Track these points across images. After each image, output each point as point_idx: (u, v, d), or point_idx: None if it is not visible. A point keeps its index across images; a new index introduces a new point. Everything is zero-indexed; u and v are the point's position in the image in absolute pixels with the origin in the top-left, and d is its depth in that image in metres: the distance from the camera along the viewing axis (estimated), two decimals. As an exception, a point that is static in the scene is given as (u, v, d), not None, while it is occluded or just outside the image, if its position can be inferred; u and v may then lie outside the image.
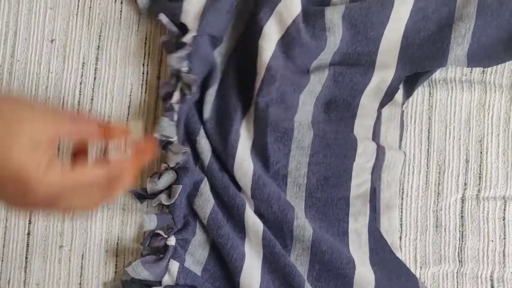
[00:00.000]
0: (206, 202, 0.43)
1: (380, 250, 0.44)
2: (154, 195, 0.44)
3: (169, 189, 0.44)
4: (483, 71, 0.46)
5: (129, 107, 0.46)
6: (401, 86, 0.45)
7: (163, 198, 0.43)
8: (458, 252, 0.46)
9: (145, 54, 0.46)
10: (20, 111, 0.30)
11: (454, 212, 0.46)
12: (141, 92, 0.46)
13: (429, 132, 0.46)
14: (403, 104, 0.46)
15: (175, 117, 0.43)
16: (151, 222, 0.42)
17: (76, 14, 0.46)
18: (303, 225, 0.43)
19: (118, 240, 0.45)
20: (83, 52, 0.46)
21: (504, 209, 0.46)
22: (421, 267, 0.46)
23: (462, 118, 0.46)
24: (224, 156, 0.44)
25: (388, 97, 0.45)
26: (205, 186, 0.44)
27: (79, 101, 0.46)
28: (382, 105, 0.45)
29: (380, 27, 0.43)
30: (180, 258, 0.43)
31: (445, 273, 0.46)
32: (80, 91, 0.46)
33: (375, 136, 0.45)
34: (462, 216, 0.46)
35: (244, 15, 0.45)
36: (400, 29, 0.44)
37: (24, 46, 0.46)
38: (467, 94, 0.46)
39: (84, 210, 0.34)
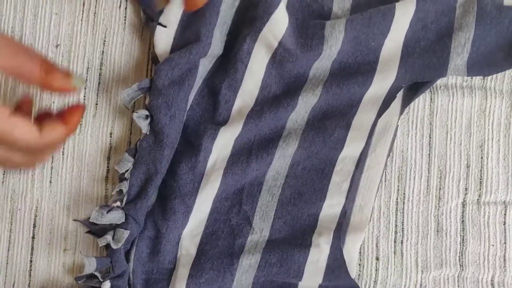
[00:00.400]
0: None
1: (336, 268, 0.44)
2: (96, 225, 0.42)
3: (113, 228, 0.42)
4: (484, 77, 0.47)
5: (133, 111, 0.46)
6: (399, 99, 0.45)
7: (110, 240, 0.41)
8: (459, 256, 0.46)
9: (148, 60, 0.47)
10: None
11: (455, 216, 0.46)
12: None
13: (430, 138, 0.47)
14: (399, 116, 0.46)
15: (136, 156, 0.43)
16: (90, 266, 0.41)
17: (81, 20, 0.47)
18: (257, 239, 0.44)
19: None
20: (87, 57, 0.47)
21: (505, 214, 0.46)
22: (422, 271, 0.46)
23: (463, 124, 0.47)
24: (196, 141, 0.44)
25: (385, 105, 0.45)
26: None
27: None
28: (379, 114, 0.45)
29: (381, 37, 0.44)
30: None
31: (446, 277, 0.46)
32: (84, 96, 0.46)
33: (366, 147, 0.45)
34: (463, 221, 0.46)
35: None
36: (400, 39, 0.44)
37: (29, 51, 0.47)
38: (468, 100, 0.47)
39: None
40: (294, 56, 0.44)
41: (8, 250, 0.45)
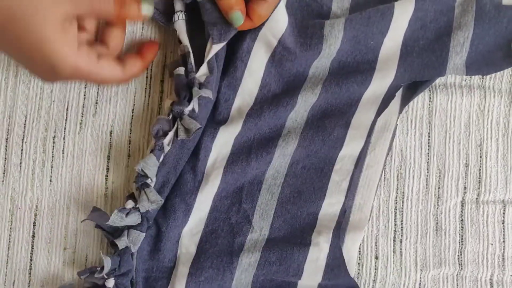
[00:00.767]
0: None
1: (336, 267, 0.44)
2: (111, 228, 0.42)
3: (127, 230, 0.42)
4: (483, 76, 0.47)
5: (133, 110, 0.46)
6: (398, 98, 0.46)
7: (127, 243, 0.41)
8: (458, 255, 0.46)
9: (149, 59, 0.47)
10: None
11: (454, 215, 0.46)
12: (145, 96, 0.46)
13: (429, 137, 0.47)
14: (398, 115, 0.46)
15: (161, 159, 0.42)
16: (108, 265, 0.40)
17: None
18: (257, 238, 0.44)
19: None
20: (87, 56, 0.47)
21: (504, 213, 0.46)
22: (421, 270, 0.46)
23: (462, 123, 0.47)
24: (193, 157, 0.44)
25: (384, 104, 0.45)
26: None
27: (83, 105, 0.46)
28: (378, 113, 0.45)
29: (380, 36, 0.44)
30: None
31: (445, 276, 0.46)
32: (84, 95, 0.46)
33: (365, 146, 0.45)
34: (462, 220, 0.46)
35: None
36: (399, 38, 0.44)
37: (29, 50, 0.47)
38: (466, 99, 0.47)
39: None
40: (293, 55, 0.44)
41: (8, 248, 0.45)
